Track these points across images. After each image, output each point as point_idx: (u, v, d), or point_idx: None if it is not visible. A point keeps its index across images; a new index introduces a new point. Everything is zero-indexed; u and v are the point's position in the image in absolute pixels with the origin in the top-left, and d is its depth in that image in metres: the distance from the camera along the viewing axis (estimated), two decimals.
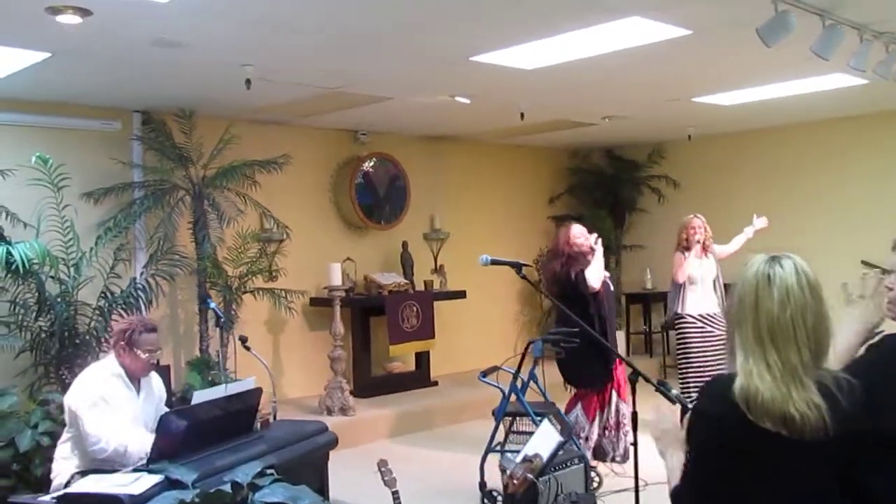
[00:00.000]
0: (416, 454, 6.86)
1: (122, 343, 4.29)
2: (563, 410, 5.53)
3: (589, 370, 5.90)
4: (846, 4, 4.65)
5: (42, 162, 6.15)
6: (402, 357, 8.72)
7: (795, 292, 2.01)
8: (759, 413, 1.95)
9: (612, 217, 10.57)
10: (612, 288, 6.13)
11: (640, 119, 8.62)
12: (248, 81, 5.79)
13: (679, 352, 6.70)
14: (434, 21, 4.88)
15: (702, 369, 6.42)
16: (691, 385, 6.42)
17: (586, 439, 5.93)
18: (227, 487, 3.29)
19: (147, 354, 4.30)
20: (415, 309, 8.41)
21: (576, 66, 5.95)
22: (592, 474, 5.42)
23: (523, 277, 4.22)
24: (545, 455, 3.79)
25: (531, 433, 5.76)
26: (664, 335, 10.10)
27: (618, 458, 6.06)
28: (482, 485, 5.33)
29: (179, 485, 3.45)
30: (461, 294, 9.16)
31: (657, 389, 4.14)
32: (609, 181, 10.68)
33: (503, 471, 4.59)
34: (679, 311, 6.61)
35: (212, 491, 3.25)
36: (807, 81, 6.75)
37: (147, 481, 3.45)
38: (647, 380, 4.14)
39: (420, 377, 8.79)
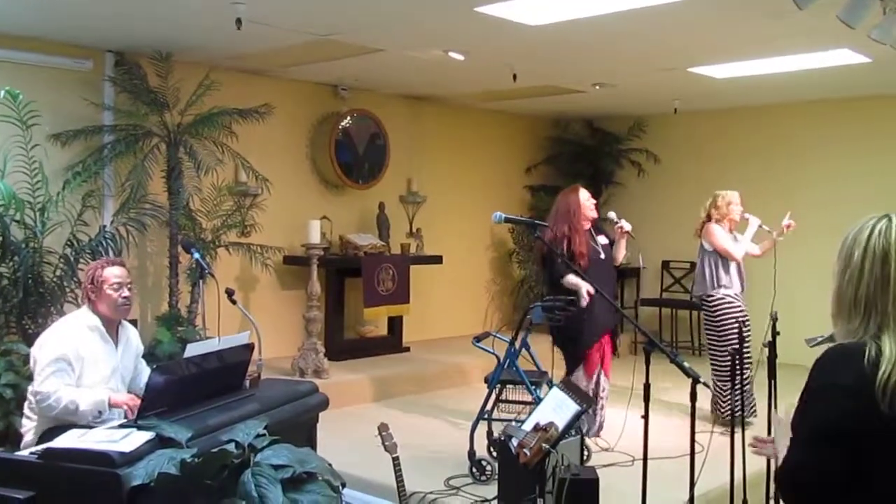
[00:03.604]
0: (394, 420, 6.63)
1: (90, 286, 4.05)
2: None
3: (589, 331, 5.65)
4: None
5: (11, 97, 5.76)
6: (375, 321, 8.48)
7: None
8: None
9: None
10: (603, 257, 5.82)
11: (626, 89, 8.43)
12: (238, 21, 5.44)
13: (719, 329, 6.31)
14: None
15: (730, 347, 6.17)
16: (725, 364, 6.17)
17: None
18: (230, 447, 3.03)
19: (115, 291, 4.03)
20: (391, 272, 8.15)
21: (581, 25, 5.71)
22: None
23: (538, 238, 4.01)
24: (561, 424, 3.59)
25: (521, 402, 5.62)
26: (636, 310, 10.00)
27: (591, 435, 5.87)
28: (472, 453, 5.13)
29: (172, 443, 3.18)
30: (438, 259, 8.94)
31: (672, 361, 3.98)
32: (588, 153, 10.51)
33: (502, 440, 4.39)
34: (723, 286, 6.27)
35: (215, 451, 2.99)
36: (810, 56, 6.58)
37: (137, 438, 3.17)
38: (662, 350, 3.96)
39: (392, 343, 8.59)
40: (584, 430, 5.78)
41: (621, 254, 5.98)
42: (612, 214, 6.02)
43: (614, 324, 5.97)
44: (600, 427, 5.91)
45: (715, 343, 6.40)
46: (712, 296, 6.33)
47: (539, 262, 5.62)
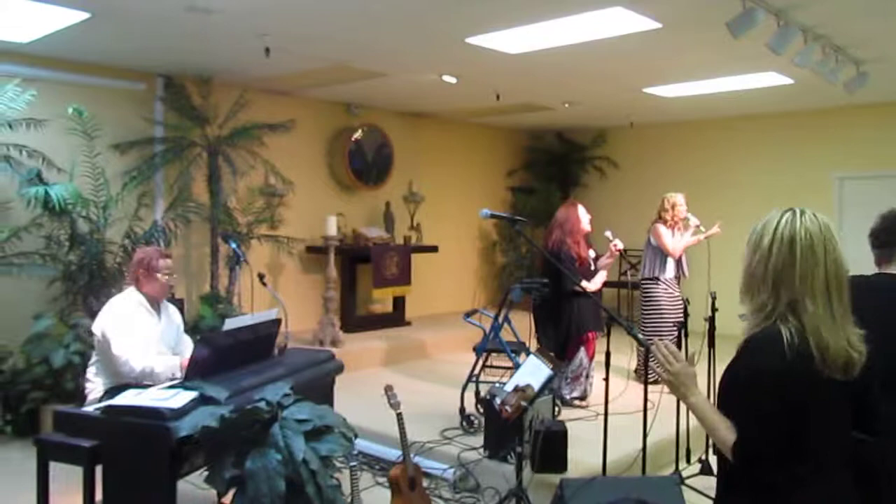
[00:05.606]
0: (398, 382, 6.61)
1: (142, 270, 4.01)
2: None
3: (588, 320, 5.54)
4: (797, 7, 4.46)
5: (78, 113, 5.71)
6: (382, 299, 8.46)
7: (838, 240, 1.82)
8: (826, 363, 1.74)
9: (559, 191, 10.39)
10: (593, 268, 5.64)
11: (590, 106, 8.40)
12: (267, 50, 5.41)
13: (650, 308, 6.30)
14: (437, 1, 4.55)
15: (666, 323, 6.14)
16: (654, 335, 6.13)
17: (587, 377, 5.57)
18: (262, 405, 3.02)
19: (165, 278, 4.02)
20: (395, 259, 8.13)
21: (553, 54, 5.68)
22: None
23: (518, 231, 3.98)
24: (536, 385, 3.58)
25: (503, 367, 5.61)
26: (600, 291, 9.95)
27: (567, 400, 5.81)
28: (462, 409, 5.12)
29: (213, 401, 3.16)
30: (434, 248, 8.90)
31: (629, 333, 3.97)
32: (559, 159, 10.46)
33: (487, 399, 4.38)
34: (657, 275, 6.23)
35: (248, 407, 2.98)
36: (744, 78, 6.55)
37: (184, 397, 3.15)
38: (620, 324, 3.95)
39: (397, 317, 8.54)
40: (580, 395, 5.62)
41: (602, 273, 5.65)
42: (608, 233, 5.68)
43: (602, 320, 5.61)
44: (583, 395, 5.65)
45: (645, 315, 6.37)
46: (649, 280, 6.33)
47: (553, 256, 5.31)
